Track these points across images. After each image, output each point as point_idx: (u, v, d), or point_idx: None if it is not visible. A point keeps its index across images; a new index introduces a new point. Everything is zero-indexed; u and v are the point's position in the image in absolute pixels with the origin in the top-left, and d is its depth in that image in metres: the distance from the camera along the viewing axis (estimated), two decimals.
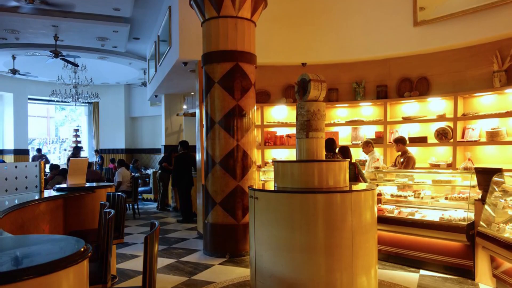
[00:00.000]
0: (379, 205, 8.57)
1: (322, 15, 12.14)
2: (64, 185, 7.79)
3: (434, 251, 7.58)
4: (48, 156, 24.52)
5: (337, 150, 9.65)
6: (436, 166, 10.59)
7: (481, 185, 6.99)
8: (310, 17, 12.21)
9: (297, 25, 12.22)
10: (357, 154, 11.93)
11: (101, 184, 8.57)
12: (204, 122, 9.42)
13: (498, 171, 6.83)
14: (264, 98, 12.83)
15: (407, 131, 11.61)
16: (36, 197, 6.38)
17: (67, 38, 16.94)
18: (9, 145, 23.27)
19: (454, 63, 10.85)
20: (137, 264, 8.49)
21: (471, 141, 10.32)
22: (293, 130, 12.50)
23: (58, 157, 28.21)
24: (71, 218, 7.33)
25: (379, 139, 11.75)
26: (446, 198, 7.94)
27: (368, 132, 12.40)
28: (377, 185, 8.80)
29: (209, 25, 9.07)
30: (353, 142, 12.35)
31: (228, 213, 8.95)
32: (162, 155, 19.03)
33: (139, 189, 18.21)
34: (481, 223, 6.76)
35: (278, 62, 12.38)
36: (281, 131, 13.02)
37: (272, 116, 13.03)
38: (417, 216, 7.90)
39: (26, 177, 7.01)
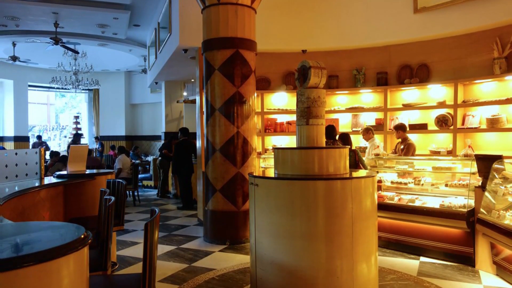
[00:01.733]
0: (379, 192, 8.58)
1: (322, 2, 12.10)
2: (64, 172, 7.80)
3: (434, 238, 7.60)
4: (48, 143, 24.56)
5: (337, 137, 9.64)
6: (436, 153, 10.60)
7: (481, 172, 6.99)
8: (310, 4, 12.16)
9: (297, 12, 12.18)
10: (357, 141, 11.93)
11: (101, 171, 8.57)
12: (204, 109, 9.41)
13: (498, 158, 6.83)
14: (264, 85, 12.82)
15: (407, 118, 11.60)
16: (36, 184, 6.38)
17: (67, 25, 16.91)
18: (10, 132, 23.29)
19: (454, 50, 10.84)
20: (137, 251, 8.51)
21: (471, 128, 10.32)
22: (293, 117, 12.50)
23: (58, 144, 28.25)
24: (71, 205, 7.34)
25: (379, 126, 11.74)
26: (446, 185, 7.95)
27: (368, 119, 12.39)
28: (377, 172, 8.80)
29: (209, 12, 9.03)
30: (353, 129, 12.34)
31: (229, 200, 8.96)
32: (162, 142, 19.03)
33: (139, 176, 18.24)
34: (481, 210, 6.77)
35: (278, 49, 12.35)
36: (281, 118, 13.01)
37: (272, 103, 13.02)
38: (417, 203, 7.91)
39: (26, 164, 7.01)
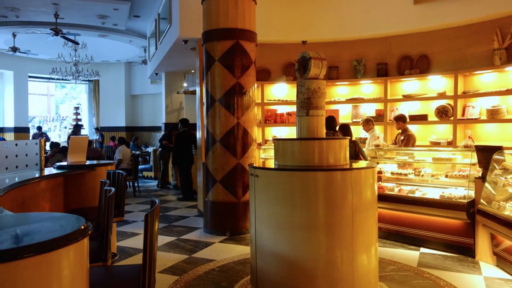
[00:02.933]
0: (380, 183, 8.59)
1: None
2: (64, 163, 7.79)
3: (434, 229, 7.61)
4: (48, 134, 24.51)
5: (337, 128, 9.63)
6: (437, 144, 10.60)
7: (482, 163, 7.00)
8: None
9: (297, 3, 12.15)
10: (358, 132, 11.93)
11: (102, 162, 8.56)
12: (204, 100, 9.41)
13: (499, 149, 6.83)
14: (265, 76, 12.80)
15: (407, 109, 11.59)
16: (37, 175, 6.38)
17: (67, 16, 16.86)
18: (10, 123, 23.27)
19: (454, 41, 10.83)
20: (137, 242, 8.52)
21: (472, 119, 10.32)
22: (293, 108, 12.50)
23: (59, 135, 28.22)
24: (71, 196, 7.34)
25: (379, 117, 11.74)
26: (446, 176, 7.95)
27: (368, 110, 12.38)
28: (378, 163, 8.80)
29: (209, 3, 9.00)
30: (354, 120, 12.34)
31: (229, 191, 8.96)
32: (163, 133, 19.02)
33: (140, 167, 18.25)
34: (482, 201, 6.78)
35: (279, 40, 12.33)
36: (282, 109, 13.01)
37: (273, 94, 13.01)
38: (417, 194, 7.92)
39: (26, 155, 7.01)
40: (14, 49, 19.67)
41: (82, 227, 2.58)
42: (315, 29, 12.11)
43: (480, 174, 7.01)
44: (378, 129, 11.16)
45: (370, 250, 5.39)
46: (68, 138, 17.43)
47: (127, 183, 14.50)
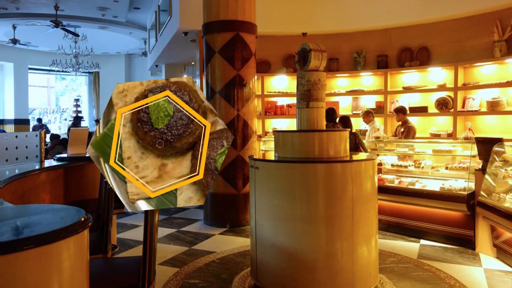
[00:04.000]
0: (380, 175, 8.58)
1: None
2: (64, 155, 7.77)
3: (434, 221, 7.61)
4: (48, 126, 24.55)
5: (337, 120, 9.63)
6: (437, 136, 10.60)
7: (482, 155, 7.00)
8: None
9: None
10: (358, 123, 11.92)
11: None
12: (204, 92, 9.39)
13: (499, 141, 6.83)
14: (265, 68, 12.79)
15: (407, 101, 11.58)
16: (37, 167, 6.37)
17: (67, 8, 16.85)
18: (10, 115, 23.27)
19: (454, 33, 10.82)
20: (137, 234, 8.52)
21: (472, 111, 10.32)
22: (293, 100, 12.49)
23: (59, 126, 28.26)
24: (71, 188, 7.33)
25: (379, 109, 11.73)
26: (446, 168, 7.95)
27: (368, 102, 12.37)
28: (378, 155, 8.79)
29: None
30: (354, 112, 12.34)
31: (229, 183, 8.96)
32: None
33: None
34: (482, 193, 6.78)
35: (279, 32, 12.31)
36: (282, 101, 12.99)
37: (273, 86, 12.99)
38: (417, 186, 7.92)
39: (26, 147, 6.99)
40: (14, 41, 19.69)
41: (82, 219, 2.57)
42: (315, 21, 12.09)
43: (480, 166, 7.02)
44: (378, 121, 11.15)
45: (370, 242, 5.39)
46: (68, 130, 17.46)
47: None
